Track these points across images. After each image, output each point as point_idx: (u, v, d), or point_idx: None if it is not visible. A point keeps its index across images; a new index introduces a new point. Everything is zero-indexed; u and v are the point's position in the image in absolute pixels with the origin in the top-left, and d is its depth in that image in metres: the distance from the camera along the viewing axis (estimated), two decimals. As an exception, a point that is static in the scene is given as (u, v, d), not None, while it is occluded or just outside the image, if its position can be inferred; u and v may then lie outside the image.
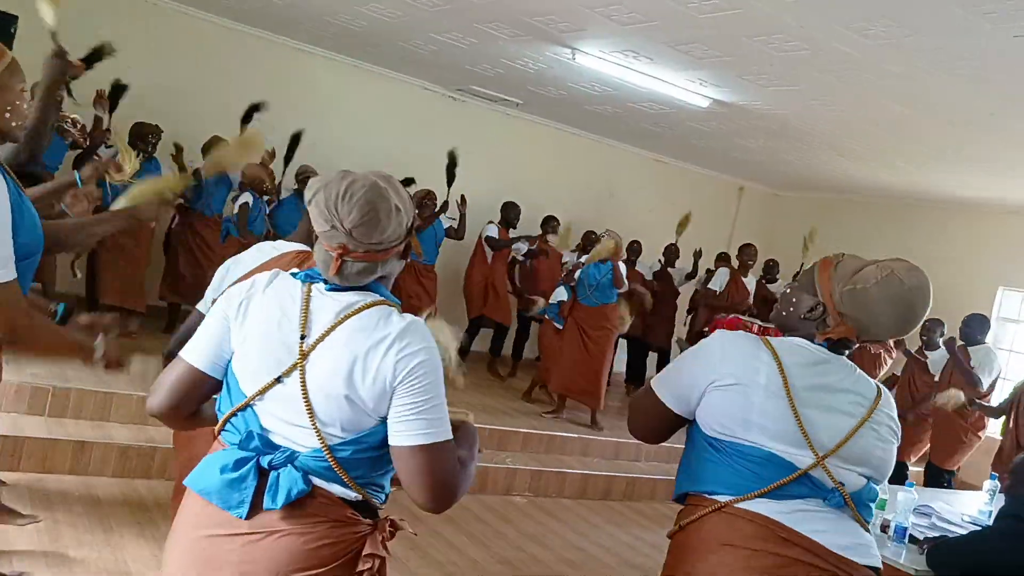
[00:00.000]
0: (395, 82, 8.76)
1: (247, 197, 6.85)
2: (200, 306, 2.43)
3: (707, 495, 1.90)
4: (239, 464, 1.64)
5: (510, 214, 8.31)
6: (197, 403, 1.77)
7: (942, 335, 7.14)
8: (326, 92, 8.41)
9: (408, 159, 8.53)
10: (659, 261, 9.38)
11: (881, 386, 2.01)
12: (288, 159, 7.40)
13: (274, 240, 2.53)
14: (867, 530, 1.91)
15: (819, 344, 1.96)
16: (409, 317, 1.68)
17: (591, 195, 10.01)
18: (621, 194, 10.23)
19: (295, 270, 1.78)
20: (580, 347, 7.05)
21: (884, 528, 3.44)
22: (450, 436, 1.66)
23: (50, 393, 4.76)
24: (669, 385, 1.99)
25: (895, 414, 1.99)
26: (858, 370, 2.00)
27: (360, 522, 1.67)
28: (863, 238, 10.01)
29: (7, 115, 2.10)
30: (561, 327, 7.45)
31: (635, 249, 8.80)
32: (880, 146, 7.56)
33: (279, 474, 1.62)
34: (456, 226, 8.00)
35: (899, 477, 6.68)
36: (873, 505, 1.94)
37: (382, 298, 1.71)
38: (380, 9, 6.32)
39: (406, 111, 8.85)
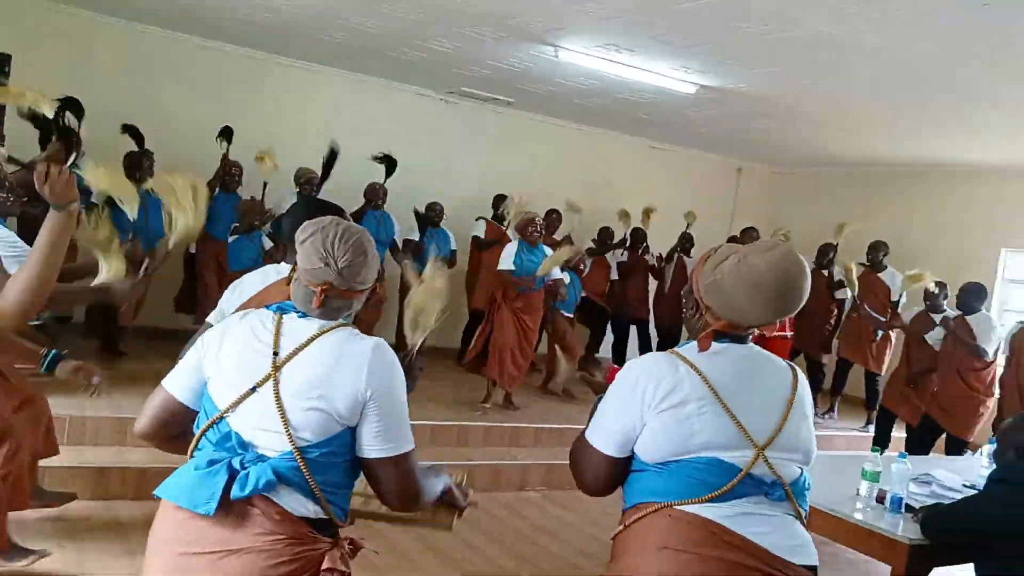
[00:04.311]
0: (388, 89, 8.86)
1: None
2: (210, 318, 2.52)
3: (654, 502, 1.87)
4: (212, 463, 1.77)
5: (501, 206, 8.33)
6: (177, 428, 1.92)
7: (946, 297, 7.15)
8: (322, 104, 8.52)
9: (405, 163, 8.62)
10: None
11: (793, 365, 2.00)
12: (324, 178, 7.42)
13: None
14: (805, 526, 1.92)
15: (721, 341, 1.92)
16: (376, 339, 1.84)
17: (590, 185, 10.07)
18: (619, 182, 10.28)
19: (268, 304, 1.95)
20: (518, 334, 6.94)
21: (880, 499, 3.49)
22: (412, 445, 1.85)
23: (67, 422, 4.89)
24: (604, 432, 1.93)
25: (808, 391, 1.98)
26: (767, 353, 1.98)
27: (319, 540, 1.80)
28: (867, 210, 10.01)
29: None
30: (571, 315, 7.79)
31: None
32: (873, 118, 7.57)
33: (249, 470, 1.75)
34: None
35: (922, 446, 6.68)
36: (807, 494, 1.94)
37: (348, 322, 1.90)
38: (364, 21, 6.41)
39: (401, 117, 8.94)
